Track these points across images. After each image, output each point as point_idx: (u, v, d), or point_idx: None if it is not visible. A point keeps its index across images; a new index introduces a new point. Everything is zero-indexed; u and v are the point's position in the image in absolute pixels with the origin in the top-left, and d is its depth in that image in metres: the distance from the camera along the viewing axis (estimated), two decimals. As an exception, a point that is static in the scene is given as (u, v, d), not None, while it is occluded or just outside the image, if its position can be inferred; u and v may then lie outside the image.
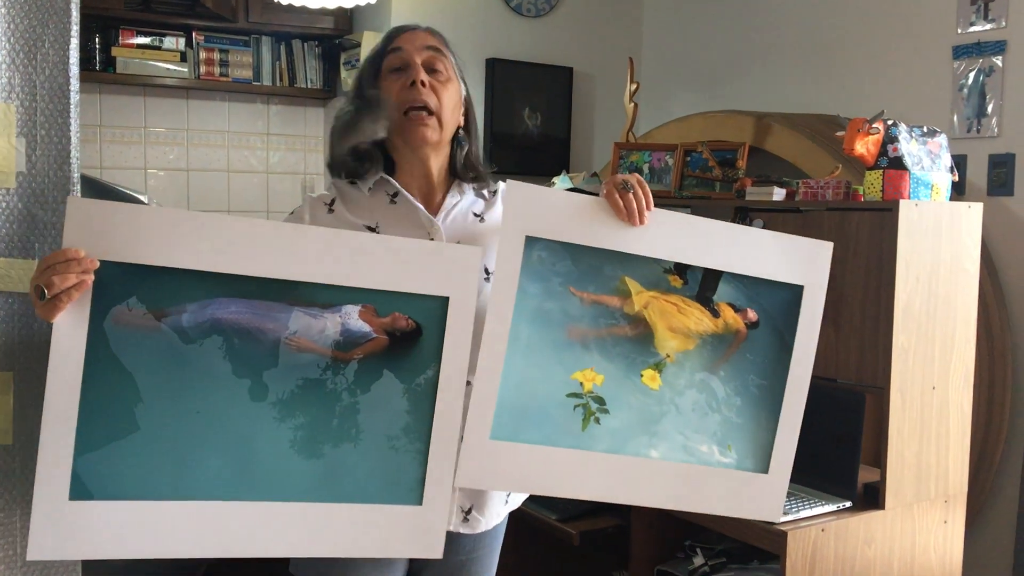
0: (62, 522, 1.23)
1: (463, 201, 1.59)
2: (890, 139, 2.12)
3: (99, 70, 3.73)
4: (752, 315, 1.50)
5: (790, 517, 2.00)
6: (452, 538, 1.51)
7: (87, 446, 1.24)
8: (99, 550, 1.26)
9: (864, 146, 2.12)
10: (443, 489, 1.38)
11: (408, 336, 1.35)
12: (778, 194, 2.43)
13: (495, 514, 1.59)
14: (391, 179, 1.54)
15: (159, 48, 3.82)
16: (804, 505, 2.07)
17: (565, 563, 2.80)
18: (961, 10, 2.93)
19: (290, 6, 3.32)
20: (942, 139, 2.23)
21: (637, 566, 2.42)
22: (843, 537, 2.04)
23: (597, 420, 1.42)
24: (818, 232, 2.14)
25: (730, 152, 2.89)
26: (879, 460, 2.12)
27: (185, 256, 1.25)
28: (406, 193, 1.53)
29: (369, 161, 1.53)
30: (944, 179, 2.20)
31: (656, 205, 1.45)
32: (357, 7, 3.68)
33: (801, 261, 1.51)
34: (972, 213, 2.20)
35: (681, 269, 1.47)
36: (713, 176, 2.88)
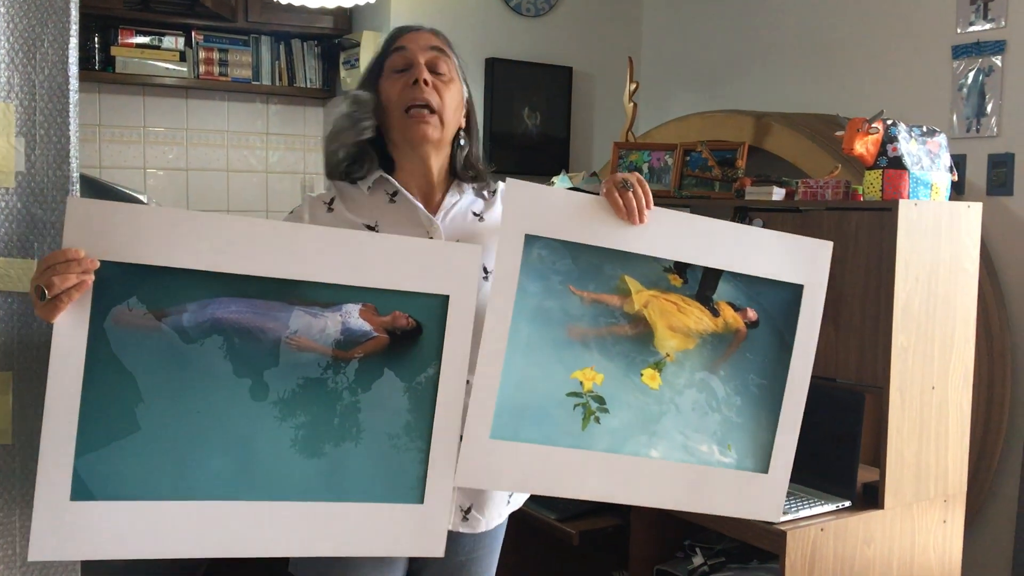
0: (63, 522, 1.23)
1: (463, 200, 1.59)
2: (889, 139, 2.12)
3: (98, 69, 3.73)
4: (752, 314, 1.50)
5: (789, 517, 2.00)
6: (452, 538, 1.50)
7: (88, 446, 1.24)
8: (100, 550, 1.26)
9: (863, 146, 2.13)
10: (444, 488, 1.38)
11: (408, 335, 1.35)
12: (777, 194, 2.43)
13: (496, 514, 1.59)
14: (391, 178, 1.55)
15: (158, 48, 3.82)
16: (803, 505, 2.07)
17: (565, 563, 2.80)
18: (960, 10, 2.93)
19: (289, 6, 3.32)
20: (941, 139, 2.23)
21: (636, 566, 2.42)
22: (842, 537, 2.04)
23: (597, 419, 1.42)
24: (817, 232, 2.14)
25: (729, 152, 2.89)
26: (878, 460, 2.12)
27: (185, 256, 1.25)
28: (405, 192, 1.54)
29: (361, 161, 1.53)
30: (943, 179, 2.20)
31: (656, 205, 1.45)
32: (356, 7, 3.68)
33: (801, 260, 1.51)
34: (971, 213, 2.20)
35: (681, 268, 1.47)
36: (712, 176, 2.88)
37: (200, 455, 1.28)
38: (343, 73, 4.00)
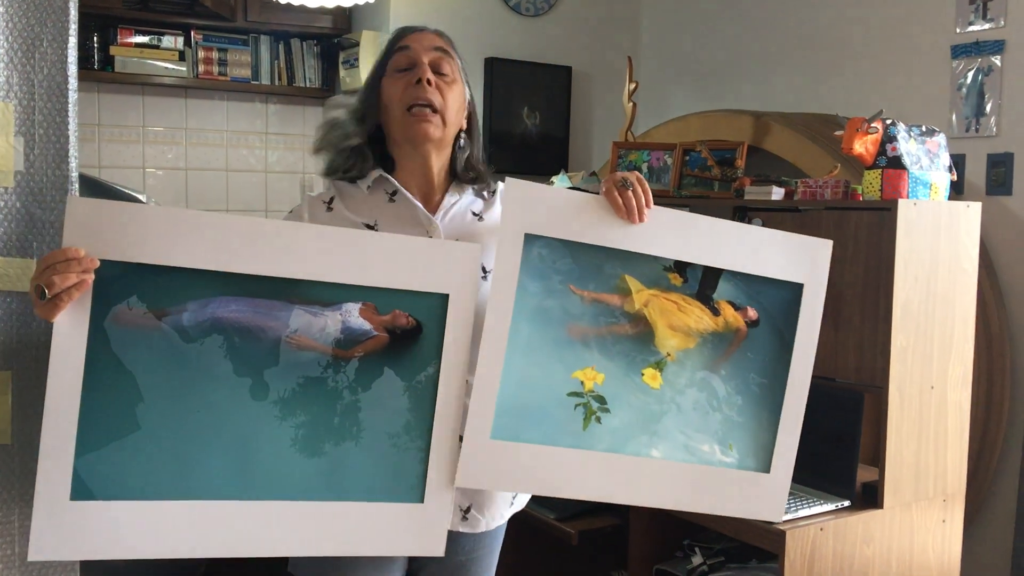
0: (63, 522, 1.23)
1: (462, 200, 1.59)
2: (889, 138, 2.13)
3: (97, 69, 3.73)
4: (752, 313, 1.50)
5: (788, 516, 2.00)
6: (452, 537, 1.50)
7: (88, 446, 1.23)
8: (101, 550, 1.26)
9: (863, 145, 2.13)
10: (444, 487, 1.38)
11: (408, 333, 1.35)
12: (777, 193, 2.43)
13: (498, 515, 1.59)
14: (390, 177, 1.55)
15: (157, 47, 3.81)
16: (802, 504, 2.07)
17: (564, 562, 2.80)
18: (960, 10, 2.93)
19: (288, 5, 3.32)
20: (941, 138, 2.23)
21: (636, 565, 2.42)
22: (841, 536, 2.04)
23: (598, 419, 1.42)
24: (817, 231, 2.14)
25: (729, 151, 2.89)
26: (877, 459, 2.12)
27: (185, 255, 1.25)
28: (405, 191, 1.54)
29: (357, 160, 1.54)
30: (943, 178, 2.20)
31: (655, 204, 1.45)
32: (356, 6, 3.68)
33: (801, 259, 1.51)
34: (971, 212, 2.20)
35: (681, 267, 1.47)
36: (712, 175, 2.88)
37: (200, 454, 1.28)
38: (342, 73, 4.00)
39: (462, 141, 1.59)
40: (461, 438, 1.38)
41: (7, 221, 1.34)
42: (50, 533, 1.23)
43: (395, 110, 1.52)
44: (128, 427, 1.25)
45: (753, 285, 1.49)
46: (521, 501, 1.65)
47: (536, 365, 1.40)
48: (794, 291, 1.51)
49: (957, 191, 2.77)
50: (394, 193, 1.54)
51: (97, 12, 3.63)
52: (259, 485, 1.30)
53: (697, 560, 2.33)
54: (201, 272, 1.26)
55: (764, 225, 2.27)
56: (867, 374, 2.11)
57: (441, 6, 3.82)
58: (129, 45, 3.76)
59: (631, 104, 3.34)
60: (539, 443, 1.40)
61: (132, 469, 1.25)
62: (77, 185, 1.40)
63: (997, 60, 2.84)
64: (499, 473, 1.40)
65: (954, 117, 2.94)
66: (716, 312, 1.48)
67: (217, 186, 4.09)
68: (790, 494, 2.09)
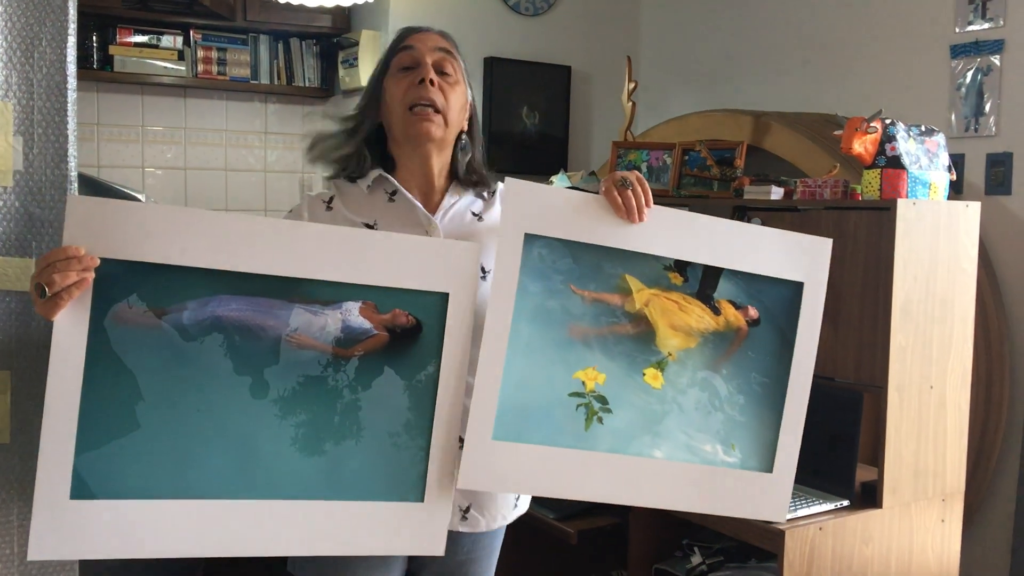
0: (63, 521, 1.23)
1: (462, 201, 1.59)
2: (888, 138, 2.13)
3: (96, 68, 3.72)
4: (753, 312, 1.50)
5: (788, 516, 2.00)
6: (452, 537, 1.50)
7: (88, 445, 1.23)
8: (100, 549, 1.25)
9: (862, 145, 2.13)
10: (444, 486, 1.38)
11: (408, 332, 1.35)
12: (776, 193, 2.43)
13: (500, 516, 1.59)
14: (390, 177, 1.54)
15: (156, 46, 3.81)
16: (802, 504, 2.07)
17: (563, 562, 2.80)
18: (959, 9, 2.94)
19: (288, 4, 3.32)
20: (940, 138, 2.23)
21: (635, 565, 2.42)
22: (841, 536, 2.04)
23: (600, 420, 1.42)
24: (816, 231, 2.13)
25: (728, 151, 2.89)
26: (877, 459, 2.12)
27: (185, 253, 1.25)
28: (404, 191, 1.53)
29: (353, 162, 1.54)
30: (942, 178, 2.20)
31: (654, 204, 1.45)
32: (355, 6, 3.68)
33: (801, 258, 1.51)
34: (970, 212, 2.21)
35: (681, 266, 1.46)
36: (711, 175, 2.88)
37: (200, 453, 1.27)
38: (341, 72, 3.99)
39: (463, 142, 1.59)
40: (462, 440, 1.38)
41: (6, 220, 1.34)
42: (50, 532, 1.23)
43: (397, 109, 1.52)
44: (128, 426, 1.25)
45: (753, 284, 1.49)
46: (525, 503, 1.65)
47: (537, 365, 1.39)
48: (795, 290, 1.51)
49: (956, 191, 2.77)
50: (394, 193, 1.54)
51: (96, 11, 3.62)
52: (259, 484, 1.30)
53: (696, 559, 2.33)
54: (201, 271, 1.26)
55: (764, 224, 2.27)
56: (866, 374, 2.11)
57: (441, 6, 3.82)
58: (128, 44, 3.76)
59: (630, 104, 3.34)
60: (541, 444, 1.39)
61: (132, 468, 1.25)
62: (76, 184, 1.40)
63: (996, 60, 2.84)
64: (501, 474, 1.39)
65: (953, 117, 2.94)
66: (717, 311, 1.48)
67: (216, 186, 4.09)
68: (790, 494, 2.09)
